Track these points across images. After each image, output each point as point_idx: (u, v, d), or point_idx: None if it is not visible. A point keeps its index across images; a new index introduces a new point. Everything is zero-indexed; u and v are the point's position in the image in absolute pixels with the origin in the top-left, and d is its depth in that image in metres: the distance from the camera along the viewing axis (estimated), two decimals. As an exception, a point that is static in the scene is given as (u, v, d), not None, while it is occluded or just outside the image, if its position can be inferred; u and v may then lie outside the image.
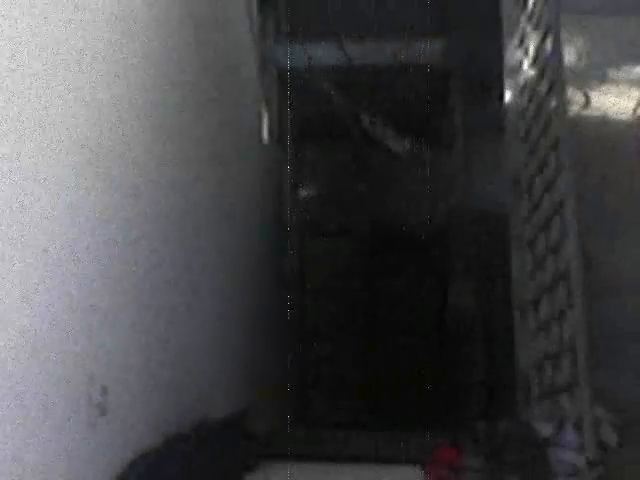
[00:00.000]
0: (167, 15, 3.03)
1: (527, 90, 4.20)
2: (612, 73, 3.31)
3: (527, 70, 4.21)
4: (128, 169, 2.42)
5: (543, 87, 3.77)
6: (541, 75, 3.83)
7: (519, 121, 4.32)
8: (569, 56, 3.36)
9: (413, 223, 8.65)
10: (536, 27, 3.95)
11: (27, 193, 1.69)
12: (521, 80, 4.35)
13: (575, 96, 3.25)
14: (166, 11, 3.02)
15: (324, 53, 6.84)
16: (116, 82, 2.32)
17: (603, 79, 3.28)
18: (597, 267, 2.98)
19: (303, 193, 9.08)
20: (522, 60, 4.33)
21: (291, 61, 6.87)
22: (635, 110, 3.19)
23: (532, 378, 3.82)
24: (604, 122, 3.23)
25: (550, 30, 3.60)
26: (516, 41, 4.45)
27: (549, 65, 3.65)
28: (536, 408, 3.69)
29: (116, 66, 2.32)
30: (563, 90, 3.32)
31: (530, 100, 4.10)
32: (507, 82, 4.62)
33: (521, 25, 4.32)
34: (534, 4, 4.01)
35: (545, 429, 3.08)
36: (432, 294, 8.57)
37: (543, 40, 3.77)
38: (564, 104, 3.31)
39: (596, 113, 3.22)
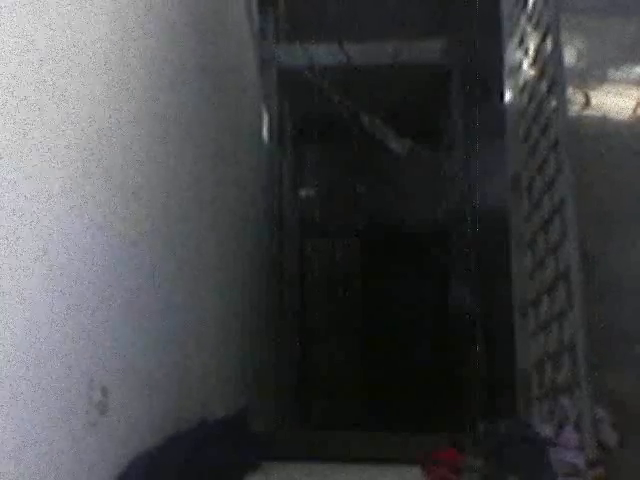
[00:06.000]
0: (167, 15, 3.03)
1: (527, 90, 4.19)
2: (612, 73, 3.31)
3: (527, 70, 4.21)
4: (128, 169, 2.42)
5: (543, 87, 3.77)
6: (541, 75, 3.83)
7: (519, 121, 4.32)
8: (569, 56, 3.36)
9: (413, 223, 8.66)
10: (536, 27, 3.94)
11: (26, 193, 1.69)
12: (521, 80, 4.35)
13: (575, 96, 3.24)
14: (166, 11, 3.02)
15: (324, 53, 6.85)
16: (115, 82, 2.32)
17: (603, 79, 3.28)
18: (597, 267, 2.98)
19: (303, 193, 9.09)
20: (522, 60, 4.33)
21: (291, 61, 6.88)
22: (635, 110, 3.19)
23: (532, 378, 3.82)
24: (604, 122, 3.22)
25: (550, 30, 3.59)
26: (516, 41, 4.45)
27: (549, 65, 3.65)
28: (536, 408, 3.69)
29: (115, 66, 2.32)
30: (563, 90, 3.32)
31: (530, 100, 4.10)
32: (507, 82, 4.62)
33: (521, 25, 4.32)
34: (534, 4, 4.01)
35: (545, 429, 3.09)
36: (432, 294, 8.57)
37: (543, 40, 3.77)
38: (564, 104, 3.30)
39: (596, 113, 3.22)
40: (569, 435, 2.87)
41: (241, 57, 5.42)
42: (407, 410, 7.56)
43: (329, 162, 9.40)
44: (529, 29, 4.13)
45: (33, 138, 1.72)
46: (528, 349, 3.93)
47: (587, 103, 3.22)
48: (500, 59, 4.70)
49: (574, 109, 3.24)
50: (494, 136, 5.09)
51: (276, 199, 7.13)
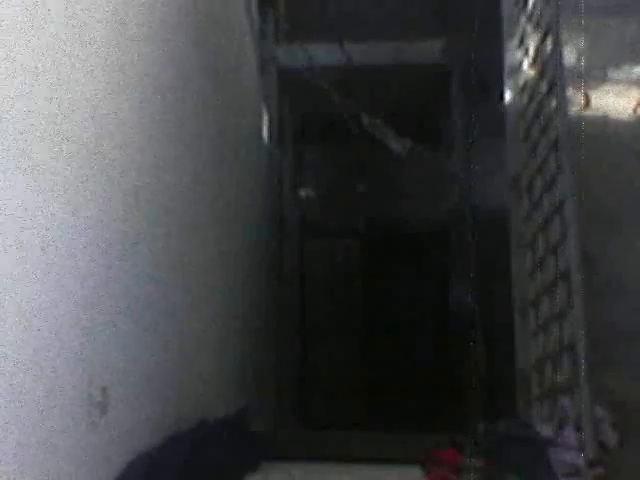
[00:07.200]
0: (167, 15, 3.03)
1: (527, 90, 4.19)
2: (612, 73, 3.31)
3: (527, 70, 4.21)
4: (128, 169, 2.42)
5: (543, 87, 3.77)
6: (541, 75, 3.83)
7: (519, 121, 4.32)
8: (569, 56, 3.36)
9: (413, 223, 8.66)
10: (536, 27, 3.94)
11: (26, 194, 1.69)
12: (521, 80, 4.35)
13: (575, 96, 3.24)
14: (166, 11, 3.02)
15: (324, 53, 6.84)
16: (116, 82, 2.32)
17: (603, 79, 3.28)
18: (597, 267, 2.98)
19: (303, 193, 9.08)
20: (522, 60, 4.32)
21: (291, 61, 6.87)
22: (635, 110, 3.19)
23: (532, 378, 3.82)
24: (604, 122, 3.22)
25: (550, 30, 3.59)
26: (516, 41, 4.45)
27: (549, 65, 3.65)
28: (536, 408, 3.69)
29: (116, 66, 2.32)
30: (563, 90, 3.32)
31: (530, 100, 4.10)
32: (507, 82, 4.61)
33: (521, 25, 4.32)
34: (534, 4, 4.01)
35: (545, 429, 3.08)
36: (432, 294, 8.57)
37: (543, 40, 3.77)
38: (564, 104, 3.30)
39: (596, 113, 3.22)
40: (569, 435, 2.87)
41: (241, 57, 5.42)
42: (407, 410, 7.56)
43: (329, 162, 9.40)
44: (529, 29, 4.13)
45: (33, 138, 1.72)
46: (528, 349, 3.93)
47: (587, 103, 3.22)
48: (500, 59, 4.70)
49: (574, 109, 3.24)
50: (494, 136, 5.09)
51: (276, 199, 7.13)
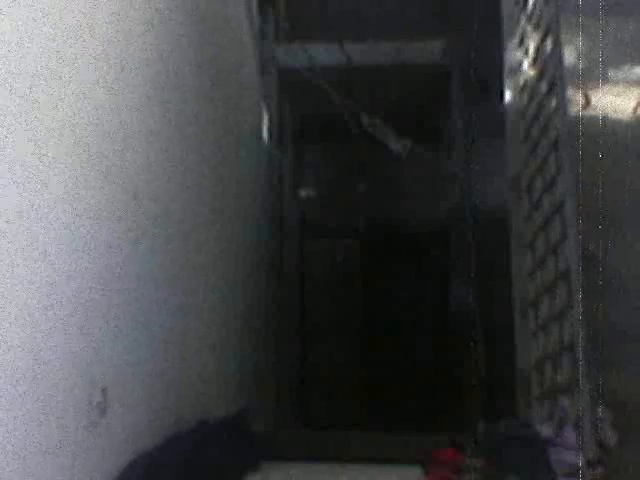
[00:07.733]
0: (167, 15, 3.03)
1: (527, 90, 4.19)
2: (612, 73, 3.30)
3: (527, 70, 4.21)
4: (128, 169, 2.42)
5: (543, 87, 3.77)
6: (541, 75, 3.83)
7: (519, 121, 4.32)
8: (569, 56, 3.36)
9: (413, 223, 8.66)
10: (536, 27, 3.94)
11: (27, 194, 1.68)
12: (521, 80, 4.35)
13: (575, 96, 3.24)
14: (166, 11, 3.02)
15: (324, 53, 6.85)
16: (116, 82, 2.32)
17: (603, 79, 3.28)
18: (597, 267, 2.97)
19: (303, 193, 9.08)
20: (522, 60, 4.33)
21: (291, 61, 6.87)
22: (635, 110, 3.19)
23: (532, 378, 3.82)
24: (604, 122, 3.22)
25: (550, 30, 3.60)
26: (516, 41, 4.45)
27: (549, 65, 3.65)
28: (536, 408, 3.69)
29: (116, 66, 2.32)
30: (563, 90, 3.32)
31: (530, 100, 4.10)
32: (507, 82, 4.61)
33: (521, 25, 4.32)
34: (534, 4, 4.01)
35: (545, 429, 3.08)
36: (432, 294, 8.57)
37: (543, 40, 3.77)
38: (564, 104, 3.30)
39: (596, 113, 3.21)
40: (569, 435, 2.87)
41: (241, 57, 5.42)
42: (407, 410, 7.55)
43: (329, 162, 9.40)
44: (529, 29, 4.13)
45: (33, 139, 1.72)
46: (528, 349, 3.93)
47: (587, 103, 3.22)
48: (500, 59, 4.70)
49: (574, 109, 3.24)
50: (494, 136, 5.09)
51: (276, 199, 7.13)
